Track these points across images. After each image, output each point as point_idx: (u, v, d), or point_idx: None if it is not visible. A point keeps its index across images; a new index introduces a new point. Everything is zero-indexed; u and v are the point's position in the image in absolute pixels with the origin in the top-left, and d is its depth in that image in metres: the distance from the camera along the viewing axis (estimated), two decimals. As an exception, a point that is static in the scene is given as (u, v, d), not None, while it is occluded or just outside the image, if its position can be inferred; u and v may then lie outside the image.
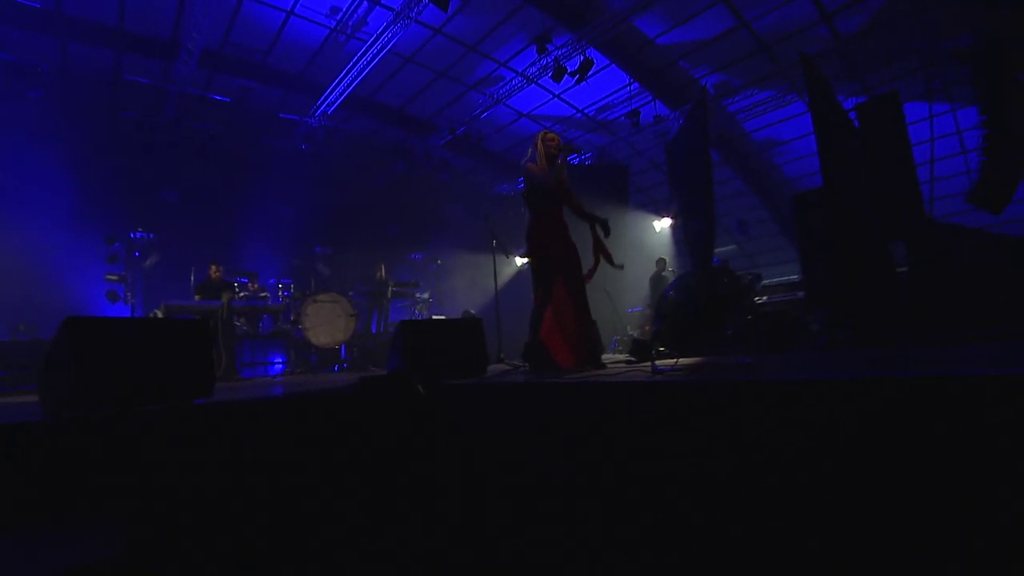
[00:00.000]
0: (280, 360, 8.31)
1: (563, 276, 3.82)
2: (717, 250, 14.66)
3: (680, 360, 3.45)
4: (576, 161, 12.03)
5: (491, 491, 2.10)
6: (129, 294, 9.25)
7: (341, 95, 9.77)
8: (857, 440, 1.54)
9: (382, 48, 8.57)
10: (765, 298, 7.60)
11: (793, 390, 1.66)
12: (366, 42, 8.72)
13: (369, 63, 8.92)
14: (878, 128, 7.10)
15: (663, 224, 11.35)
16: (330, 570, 1.61)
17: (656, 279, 9.30)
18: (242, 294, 7.93)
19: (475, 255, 11.44)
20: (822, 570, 1.49)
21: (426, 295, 10.36)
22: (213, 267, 7.11)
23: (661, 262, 9.46)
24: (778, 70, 9.49)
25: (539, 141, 3.99)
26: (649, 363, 3.18)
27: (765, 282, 13.17)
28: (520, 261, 10.41)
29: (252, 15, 8.58)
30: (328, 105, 10.13)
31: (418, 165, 12.05)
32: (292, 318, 7.72)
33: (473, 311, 9.91)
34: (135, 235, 9.46)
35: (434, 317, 9.46)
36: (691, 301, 3.04)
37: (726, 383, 1.84)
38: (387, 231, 12.68)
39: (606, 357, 4.48)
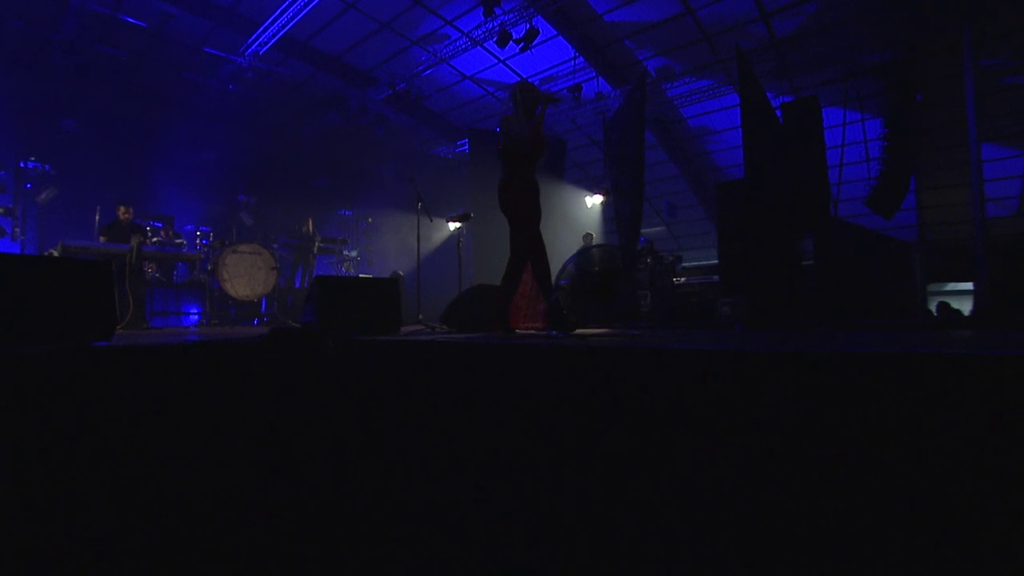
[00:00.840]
0: (196, 311, 7.92)
1: (537, 235, 3.82)
2: (647, 230, 15.25)
3: (579, 330, 3.65)
4: (517, 131, 12.00)
5: (390, 446, 2.17)
6: (18, 230, 8.40)
7: (276, 35, 9.16)
8: (718, 409, 1.71)
9: (322, -11, 8.10)
10: (684, 279, 8.02)
11: (663, 358, 1.84)
12: (306, -21, 8.20)
13: (308, 3, 8.40)
14: (799, 128, 7.57)
15: (595, 200, 11.60)
16: (223, 523, 1.62)
17: (583, 253, 9.58)
18: (155, 239, 7.44)
19: (408, 215, 11.24)
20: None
21: (354, 253, 10.14)
22: (122, 208, 6.59)
23: (588, 237, 9.73)
24: (717, 61, 9.82)
25: (517, 91, 3.86)
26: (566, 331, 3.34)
27: (688, 264, 13.90)
28: (453, 225, 10.37)
29: (176, -68, 7.80)
30: (260, 45, 9.47)
31: (353, 118, 11.57)
32: (209, 268, 7.34)
33: (402, 272, 9.80)
34: (26, 164, 8.55)
35: (360, 276, 9.30)
36: (585, 274, 3.19)
37: (606, 349, 1.99)
38: (317, 184, 12.17)
39: (530, 326, 4.61)
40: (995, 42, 8.36)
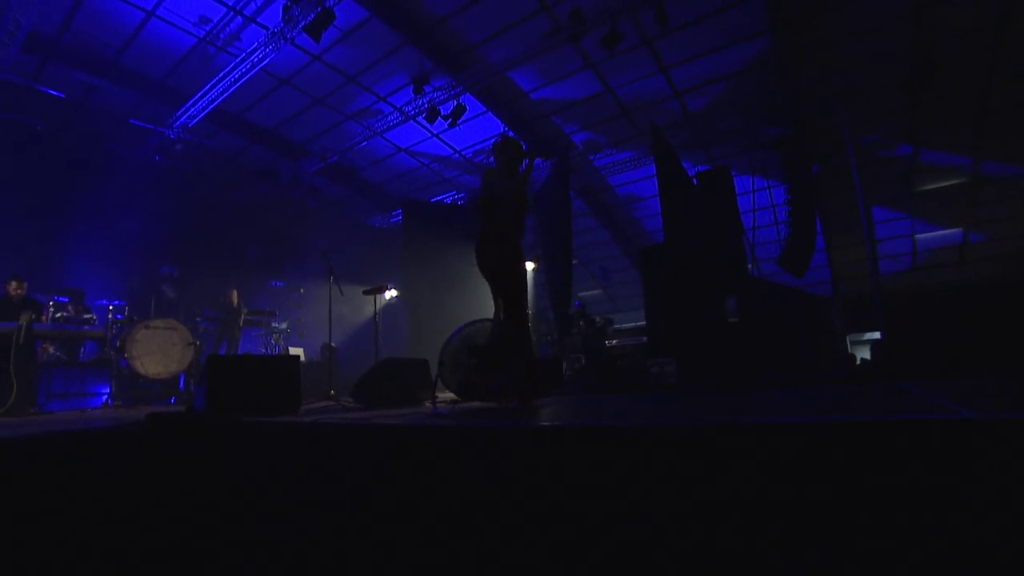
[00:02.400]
0: (103, 391, 7.25)
1: (522, 293, 3.58)
2: (583, 293, 15.52)
3: (467, 403, 3.55)
4: (449, 200, 12.21)
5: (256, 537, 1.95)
6: None
7: (206, 108, 9.08)
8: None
9: (253, 66, 8.17)
10: (616, 341, 8.11)
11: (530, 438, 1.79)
12: (238, 57, 8.26)
13: (239, 80, 8.43)
14: (714, 194, 8.07)
15: (528, 267, 11.78)
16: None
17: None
18: (58, 315, 6.86)
19: (344, 286, 11.04)
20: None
21: (284, 325, 9.73)
22: (14, 283, 6.07)
23: (522, 303, 9.79)
24: (638, 134, 10.48)
25: (499, 146, 3.76)
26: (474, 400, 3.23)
27: (625, 325, 14.20)
28: (390, 294, 10.22)
29: (102, 7, 7.74)
30: (189, 117, 9.35)
31: (286, 189, 11.46)
32: (118, 344, 6.79)
33: (334, 344, 9.43)
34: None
35: (290, 349, 8.89)
36: (466, 349, 3.13)
37: (466, 428, 1.92)
38: (247, 255, 11.79)
39: (445, 398, 4.44)
40: (872, 122, 9.39)
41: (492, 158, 3.79)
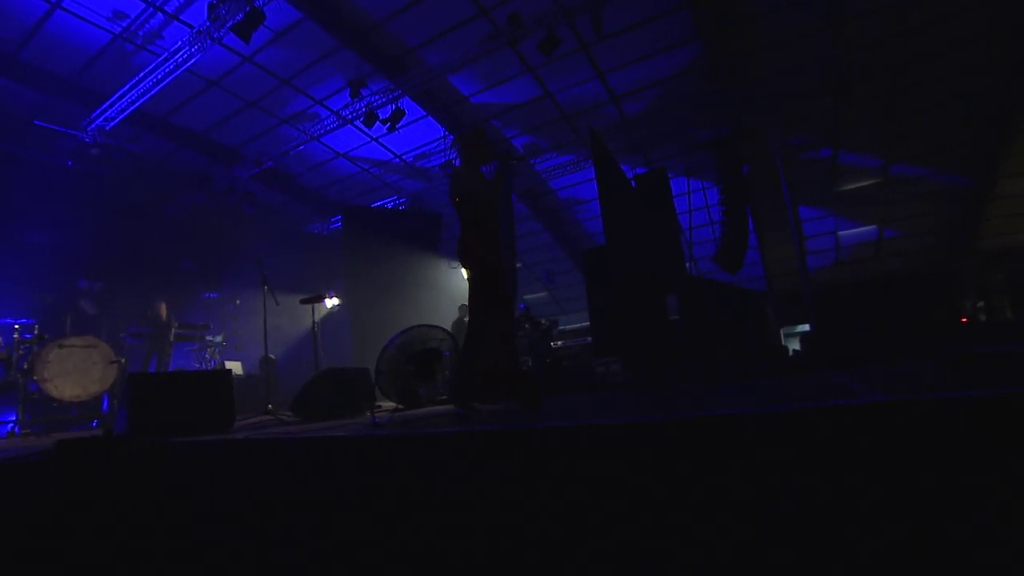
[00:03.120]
0: (11, 418, 6.65)
1: (499, 293, 3.42)
2: (528, 296, 15.60)
3: (410, 411, 3.51)
4: (391, 205, 12.01)
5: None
6: None
7: (126, 110, 8.52)
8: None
9: (178, 66, 7.73)
10: (562, 343, 8.19)
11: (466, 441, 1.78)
12: (160, 56, 7.80)
13: (163, 80, 7.96)
14: (651, 197, 8.30)
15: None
16: None
17: (458, 325, 9.51)
18: (-47, 337, 6.25)
19: (283, 296, 10.64)
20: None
21: (219, 338, 9.26)
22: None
23: (464, 308, 9.72)
24: (578, 138, 10.66)
25: (462, 143, 3.58)
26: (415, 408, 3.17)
27: (571, 326, 14.38)
28: (331, 302, 9.91)
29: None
30: (107, 119, 8.75)
31: (220, 196, 10.93)
32: (25, 366, 6.25)
33: (273, 356, 9.06)
34: None
35: (226, 363, 8.47)
36: (403, 356, 3.09)
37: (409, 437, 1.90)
38: (178, 266, 11.16)
39: (388, 405, 4.35)
40: (796, 125, 9.94)
41: (455, 154, 3.59)
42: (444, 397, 4.31)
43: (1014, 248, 12.95)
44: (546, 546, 1.56)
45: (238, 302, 11.07)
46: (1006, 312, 10.23)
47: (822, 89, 8.60)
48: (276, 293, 6.45)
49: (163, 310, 8.25)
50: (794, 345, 12.65)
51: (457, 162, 3.53)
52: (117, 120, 8.76)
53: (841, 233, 13.75)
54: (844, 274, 14.80)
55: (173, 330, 8.24)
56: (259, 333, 11.21)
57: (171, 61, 7.68)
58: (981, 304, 13.39)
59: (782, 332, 14.91)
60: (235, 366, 8.60)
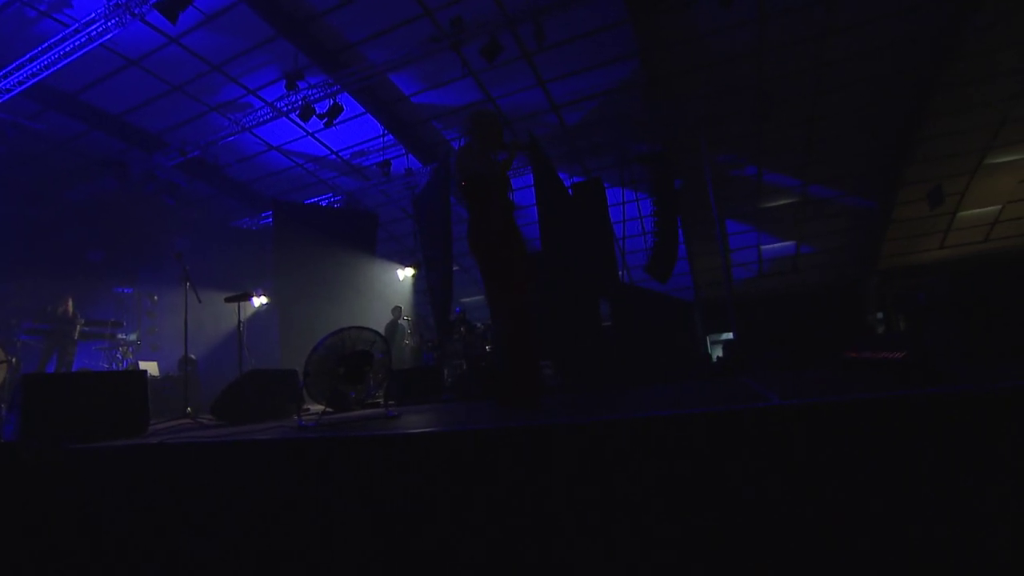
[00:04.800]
0: None
1: (522, 280, 3.14)
2: (465, 300, 15.62)
3: (339, 412, 3.48)
4: (325, 203, 11.70)
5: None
6: None
7: (24, 83, 7.81)
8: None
9: (91, 39, 7.15)
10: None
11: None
12: (70, 27, 7.22)
13: (72, 53, 7.37)
14: (587, 205, 8.58)
15: (406, 273, 11.66)
16: None
17: (391, 327, 9.42)
18: None
19: (207, 293, 10.13)
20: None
21: (132, 336, 8.70)
22: None
23: (397, 310, 9.65)
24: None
25: (475, 121, 3.32)
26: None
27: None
28: (259, 301, 9.55)
29: None
30: (1, 91, 8.02)
31: (137, 184, 10.25)
32: None
33: (194, 356, 8.61)
34: None
35: (140, 363, 7.96)
36: (333, 357, 3.09)
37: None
38: (86, 258, 10.37)
39: (317, 408, 4.26)
40: (724, 144, 10.57)
41: (465, 133, 3.34)
42: (378, 398, 4.28)
43: (908, 267, 14.39)
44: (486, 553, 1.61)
45: (156, 298, 10.45)
46: (900, 324, 11.36)
47: (747, 112, 9.20)
48: (200, 290, 6.15)
49: (69, 305, 7.65)
50: (718, 352, 13.38)
51: (463, 141, 3.32)
52: (14, 93, 8.00)
53: (763, 247, 14.68)
54: (765, 286, 15.82)
55: (78, 327, 7.66)
56: (179, 332, 10.64)
57: (83, 33, 7.10)
58: (880, 316, 14.75)
59: (708, 339, 15.72)
60: (150, 367, 8.11)
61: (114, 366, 8.71)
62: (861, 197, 12.49)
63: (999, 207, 12.82)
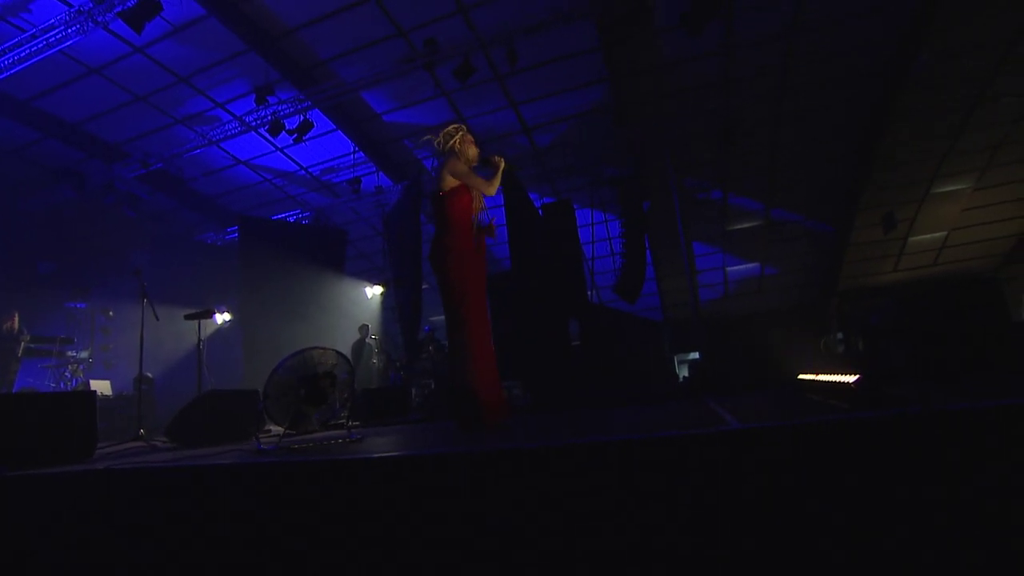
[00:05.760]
0: None
1: (481, 299, 3.15)
2: (434, 318, 15.54)
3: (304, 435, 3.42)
4: (293, 219, 11.55)
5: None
6: None
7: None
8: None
9: (49, 46, 6.96)
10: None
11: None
12: (27, 32, 7.01)
13: (27, 59, 7.15)
14: (557, 226, 8.69)
15: (375, 291, 11.56)
16: None
17: (358, 346, 9.28)
18: None
19: (167, 309, 9.81)
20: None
21: (84, 354, 8.34)
22: None
23: (364, 328, 9.52)
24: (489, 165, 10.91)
25: (456, 136, 3.28)
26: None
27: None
28: (221, 318, 9.31)
29: None
30: (-55, 95, 7.72)
31: (95, 195, 9.94)
32: None
33: (151, 375, 8.31)
34: None
35: (91, 382, 7.63)
36: (294, 379, 3.06)
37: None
38: (36, 270, 9.95)
39: (277, 430, 4.17)
40: (691, 168, 10.88)
41: (444, 143, 3.30)
42: (341, 420, 4.20)
43: (865, 288, 14.94)
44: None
45: (111, 314, 10.08)
46: (858, 345, 11.76)
47: (713, 138, 9.52)
48: (160, 306, 5.95)
49: (15, 320, 7.31)
50: (684, 372, 13.58)
51: (448, 155, 3.27)
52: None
53: (729, 269, 15.07)
54: (731, 306, 16.19)
55: (23, 344, 7.31)
56: (135, 349, 10.27)
57: (40, 39, 6.92)
58: (840, 336, 15.20)
59: (676, 359, 15.96)
60: (102, 385, 7.77)
61: (62, 385, 8.34)
62: (821, 221, 12.98)
63: (945, 233, 13.50)
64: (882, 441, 1.46)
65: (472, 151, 3.35)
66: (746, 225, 13.20)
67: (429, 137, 3.45)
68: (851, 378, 2.16)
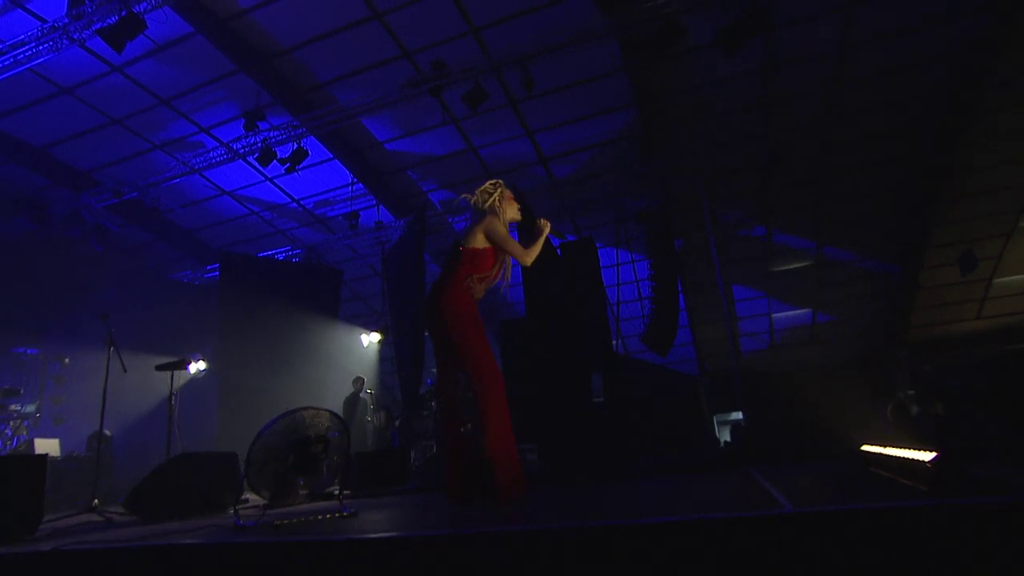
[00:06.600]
0: None
1: (488, 353, 3.24)
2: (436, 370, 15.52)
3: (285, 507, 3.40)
4: (282, 256, 11.76)
5: None
6: None
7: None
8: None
9: (17, 63, 7.24)
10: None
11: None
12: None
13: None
14: (578, 267, 8.77)
15: (372, 339, 11.62)
16: None
17: (351, 401, 9.26)
18: None
19: (133, 357, 9.89)
20: None
21: (32, 408, 8.40)
22: None
23: (359, 381, 9.51)
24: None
25: (498, 195, 3.42)
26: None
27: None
28: (195, 367, 9.38)
29: None
30: None
31: (59, 227, 10.19)
32: None
33: (108, 432, 8.30)
34: None
35: (36, 442, 7.66)
36: (281, 444, 3.07)
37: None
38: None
39: (258, 500, 4.16)
40: (729, 201, 10.98)
41: (482, 201, 3.41)
42: (332, 490, 4.17)
43: (941, 340, 14.54)
44: None
45: (67, 361, 10.15)
46: (936, 406, 11.20)
47: (753, 167, 9.63)
48: (127, 353, 5.99)
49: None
50: (726, 435, 13.34)
51: (489, 211, 3.38)
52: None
53: (775, 315, 14.97)
54: (779, 359, 15.98)
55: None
56: (94, 402, 10.29)
57: (7, 56, 7.20)
58: (912, 393, 14.69)
59: (715, 419, 15.69)
60: (49, 445, 7.77)
61: (2, 445, 8.37)
62: (884, 261, 12.82)
63: (1042, 274, 13.07)
64: (966, 534, 1.45)
65: (512, 210, 3.47)
66: (794, 266, 13.19)
67: (465, 196, 3.53)
68: (928, 455, 2.13)
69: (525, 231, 3.59)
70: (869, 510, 1.62)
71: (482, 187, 3.49)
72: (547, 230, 3.47)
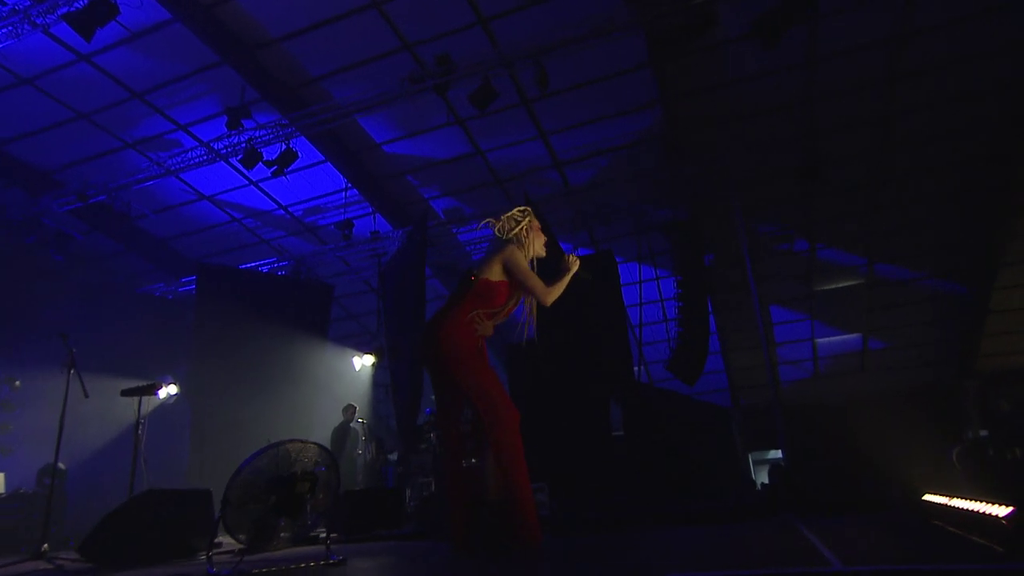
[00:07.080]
0: None
1: (496, 384, 3.28)
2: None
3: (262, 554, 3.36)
4: (267, 269, 11.82)
5: None
6: None
7: None
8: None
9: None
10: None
11: None
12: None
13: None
14: (596, 284, 8.75)
15: (365, 362, 11.62)
16: None
17: (341, 431, 9.24)
18: None
19: (96, 378, 9.90)
20: None
21: (-28, 438, 8.40)
22: None
23: (350, 410, 9.50)
24: (510, 206, 11.13)
25: (526, 224, 3.43)
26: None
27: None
28: (167, 391, 9.39)
29: None
30: None
31: (14, 233, 10.27)
32: None
33: (63, 465, 8.27)
34: None
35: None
36: (262, 482, 3.05)
37: None
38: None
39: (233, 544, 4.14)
40: (766, 211, 10.92)
41: (507, 228, 3.39)
42: (318, 533, 4.13)
43: (1016, 371, 13.98)
44: None
45: (17, 384, 10.16)
46: (1015, 451, 10.62)
47: (793, 171, 9.54)
48: (88, 375, 6.00)
49: None
50: (763, 477, 13.18)
51: (513, 241, 3.38)
52: None
53: (819, 340, 14.83)
54: (823, 390, 15.76)
55: None
56: (48, 431, 10.29)
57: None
58: (985, 434, 14.08)
59: (751, 458, 15.50)
60: (-7, 482, 7.80)
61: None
62: (947, 279, 12.59)
63: None
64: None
65: (539, 244, 3.48)
66: (841, 284, 13.07)
67: (489, 221, 3.53)
68: (1003, 509, 2.07)
69: (548, 268, 3.49)
70: (932, 571, 1.59)
71: (509, 213, 3.45)
72: (575, 268, 3.44)
